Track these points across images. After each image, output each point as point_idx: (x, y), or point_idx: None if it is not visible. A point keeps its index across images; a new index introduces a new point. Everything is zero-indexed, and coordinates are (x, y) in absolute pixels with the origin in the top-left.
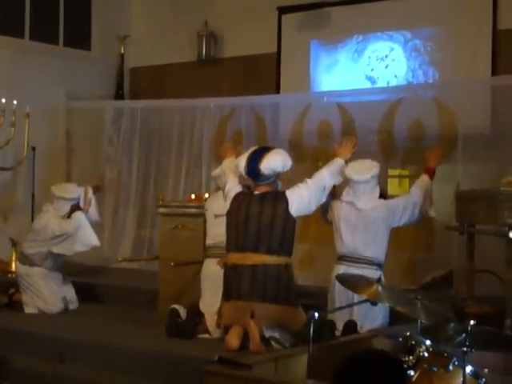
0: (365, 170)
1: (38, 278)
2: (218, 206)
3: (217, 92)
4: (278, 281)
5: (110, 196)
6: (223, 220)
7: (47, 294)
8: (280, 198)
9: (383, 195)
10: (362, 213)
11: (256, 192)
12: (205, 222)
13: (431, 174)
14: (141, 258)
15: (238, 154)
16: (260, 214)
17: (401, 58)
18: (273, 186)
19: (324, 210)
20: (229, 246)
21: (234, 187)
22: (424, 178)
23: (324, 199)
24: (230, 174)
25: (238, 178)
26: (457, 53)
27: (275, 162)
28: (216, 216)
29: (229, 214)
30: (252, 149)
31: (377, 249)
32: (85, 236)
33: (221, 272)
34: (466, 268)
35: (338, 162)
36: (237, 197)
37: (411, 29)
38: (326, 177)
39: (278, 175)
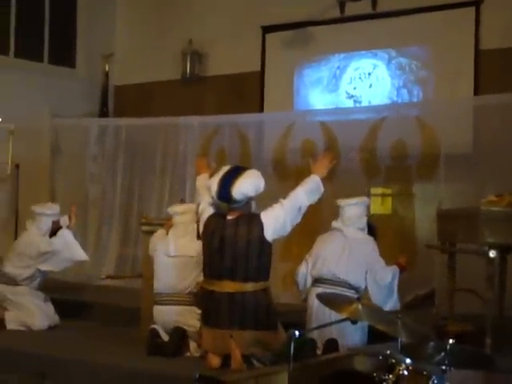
0: (353, 198)
1: (25, 295)
2: (174, 246)
3: (201, 110)
4: (257, 307)
5: (94, 213)
6: (177, 261)
7: (35, 310)
8: (255, 223)
9: (373, 232)
10: (350, 241)
11: (229, 216)
12: None
13: (402, 267)
14: (124, 276)
15: (212, 171)
16: (235, 239)
17: (385, 76)
18: (246, 209)
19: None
20: (205, 271)
21: (206, 208)
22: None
23: (299, 219)
24: (204, 194)
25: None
26: (440, 72)
27: (247, 186)
28: (170, 257)
29: (203, 238)
30: (224, 170)
31: (358, 275)
32: (73, 252)
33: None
34: (447, 287)
35: (314, 179)
36: (210, 220)
37: (396, 47)
38: (301, 196)
39: (250, 198)
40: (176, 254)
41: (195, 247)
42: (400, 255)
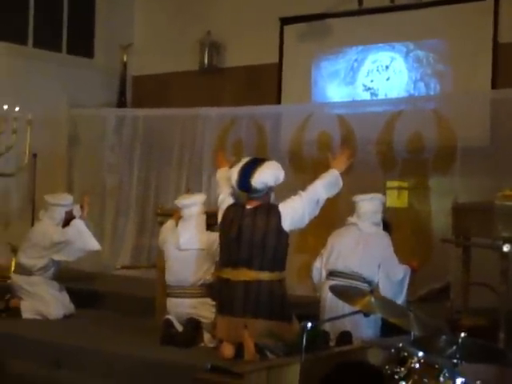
0: (368, 194)
1: (40, 285)
2: (183, 239)
3: (218, 101)
4: (271, 297)
5: (111, 203)
6: (187, 254)
7: (50, 299)
8: (273, 213)
9: (388, 229)
10: (364, 235)
11: (248, 206)
12: None
13: (413, 269)
14: (139, 266)
15: (231, 164)
16: (253, 229)
17: (402, 69)
18: (265, 199)
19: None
20: (221, 260)
21: (226, 198)
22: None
23: (317, 212)
24: (224, 186)
25: (231, 190)
26: (458, 65)
27: (267, 176)
28: (180, 250)
29: (221, 227)
30: (244, 161)
31: (372, 269)
32: (85, 241)
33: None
34: (461, 280)
35: (333, 173)
36: (229, 209)
37: (413, 40)
38: (319, 189)
39: (270, 188)
40: (186, 247)
41: (205, 239)
42: (413, 258)
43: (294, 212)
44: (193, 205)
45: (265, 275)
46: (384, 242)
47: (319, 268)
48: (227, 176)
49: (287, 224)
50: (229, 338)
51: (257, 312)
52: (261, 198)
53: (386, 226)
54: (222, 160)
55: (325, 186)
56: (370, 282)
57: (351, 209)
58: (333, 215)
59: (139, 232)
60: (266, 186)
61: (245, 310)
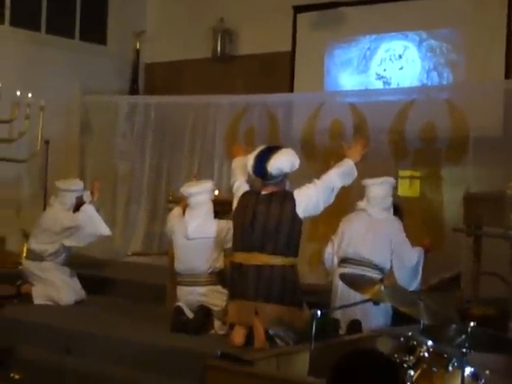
0: (378, 178)
1: (51, 271)
2: (191, 228)
3: (231, 89)
4: (283, 281)
5: (123, 190)
6: (196, 244)
7: (61, 285)
8: (287, 199)
9: (399, 214)
10: (374, 221)
11: (263, 192)
12: None
13: (426, 249)
14: (150, 253)
15: (247, 154)
16: (267, 214)
17: (415, 58)
18: (280, 186)
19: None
20: (235, 245)
21: (242, 186)
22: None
23: (332, 200)
24: (239, 175)
25: (247, 177)
26: (471, 54)
27: (283, 162)
28: (188, 240)
29: (236, 212)
30: (260, 148)
31: (383, 255)
32: (96, 226)
33: (197, 297)
34: (472, 270)
35: (348, 163)
36: (244, 195)
37: (427, 29)
38: (334, 178)
39: (285, 175)
40: (194, 236)
41: (214, 227)
42: (425, 238)
43: (309, 199)
44: (199, 193)
45: (277, 260)
46: (395, 227)
47: (331, 253)
48: (243, 164)
49: (301, 211)
50: (240, 322)
51: (268, 296)
52: (276, 185)
53: (397, 210)
54: (238, 149)
55: (339, 175)
56: (381, 269)
57: (362, 197)
58: (345, 204)
59: (151, 219)
60: (281, 172)
61: (257, 293)
